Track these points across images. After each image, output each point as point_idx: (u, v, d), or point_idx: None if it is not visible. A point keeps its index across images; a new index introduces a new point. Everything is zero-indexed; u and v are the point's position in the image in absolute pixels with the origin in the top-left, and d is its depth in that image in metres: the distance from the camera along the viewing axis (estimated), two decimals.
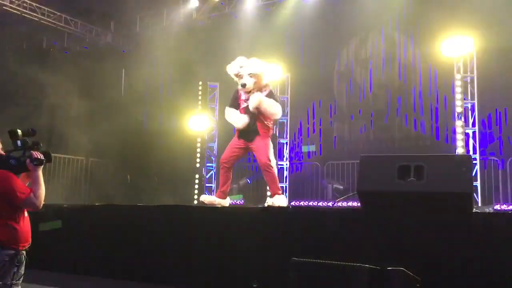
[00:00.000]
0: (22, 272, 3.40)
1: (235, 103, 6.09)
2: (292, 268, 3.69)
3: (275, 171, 5.97)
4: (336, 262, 3.51)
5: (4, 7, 12.16)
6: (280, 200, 5.75)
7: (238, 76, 5.92)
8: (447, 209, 4.05)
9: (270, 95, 5.91)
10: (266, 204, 6.04)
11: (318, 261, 3.60)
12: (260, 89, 5.87)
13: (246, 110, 5.90)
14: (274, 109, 5.82)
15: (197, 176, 12.29)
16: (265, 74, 5.90)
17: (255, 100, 5.74)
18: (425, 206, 4.10)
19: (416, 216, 4.13)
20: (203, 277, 5.03)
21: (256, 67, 5.84)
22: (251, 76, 5.81)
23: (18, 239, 3.35)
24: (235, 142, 6.01)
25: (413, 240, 4.11)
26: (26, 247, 3.43)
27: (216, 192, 6.16)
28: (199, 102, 12.70)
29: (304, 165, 12.11)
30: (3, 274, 3.28)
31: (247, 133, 5.90)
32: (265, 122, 5.87)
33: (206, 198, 6.10)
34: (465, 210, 4.09)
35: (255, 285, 4.55)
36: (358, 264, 3.43)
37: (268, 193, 6.76)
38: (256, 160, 6.00)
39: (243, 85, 5.83)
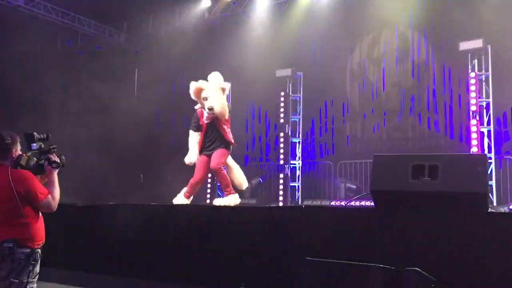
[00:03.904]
0: (38, 270, 3.45)
1: (197, 125, 6.39)
2: (306, 267, 3.69)
3: (225, 172, 6.36)
4: (350, 262, 3.50)
5: (19, 8, 12.30)
6: (230, 200, 6.12)
7: (203, 99, 6.21)
8: (462, 209, 4.01)
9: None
10: (215, 203, 6.37)
11: (332, 260, 3.59)
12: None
13: (207, 127, 6.28)
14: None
15: (209, 175, 12.31)
16: (226, 88, 6.36)
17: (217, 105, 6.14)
18: (439, 206, 4.07)
19: (431, 216, 4.10)
20: (218, 275, 5.04)
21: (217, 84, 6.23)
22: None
23: (34, 237, 3.40)
24: (200, 160, 6.34)
25: (428, 240, 4.07)
26: (41, 245, 3.48)
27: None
28: None
29: (317, 165, 12.08)
30: (19, 273, 3.32)
31: (209, 147, 6.28)
32: (226, 132, 6.23)
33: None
34: (480, 210, 4.05)
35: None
36: (372, 264, 3.41)
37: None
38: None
39: (211, 109, 6.14)
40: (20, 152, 3.54)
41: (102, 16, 14.02)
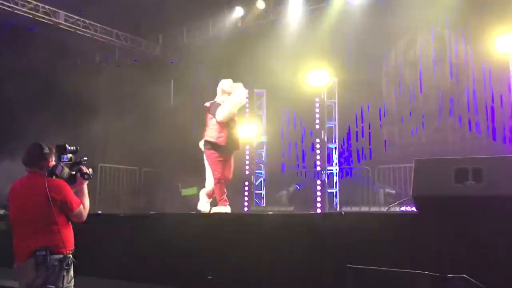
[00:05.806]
0: (72, 274, 3.55)
1: None
2: (349, 275, 3.64)
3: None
4: (394, 269, 3.43)
5: (59, 25, 12.73)
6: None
7: None
8: (508, 213, 3.88)
9: None
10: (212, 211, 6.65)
11: (376, 267, 3.53)
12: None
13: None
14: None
15: (246, 183, 12.36)
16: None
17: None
18: (485, 210, 3.95)
19: (476, 221, 3.98)
20: (258, 282, 5.04)
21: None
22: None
23: (66, 244, 3.52)
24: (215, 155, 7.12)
25: (473, 246, 3.95)
26: (72, 251, 3.59)
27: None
28: (247, 110, 12.79)
29: (354, 170, 11.94)
30: (54, 279, 3.43)
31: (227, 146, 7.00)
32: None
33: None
34: None
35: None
36: (418, 271, 3.33)
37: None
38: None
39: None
40: (54, 163, 3.67)
41: (138, 30, 14.35)
